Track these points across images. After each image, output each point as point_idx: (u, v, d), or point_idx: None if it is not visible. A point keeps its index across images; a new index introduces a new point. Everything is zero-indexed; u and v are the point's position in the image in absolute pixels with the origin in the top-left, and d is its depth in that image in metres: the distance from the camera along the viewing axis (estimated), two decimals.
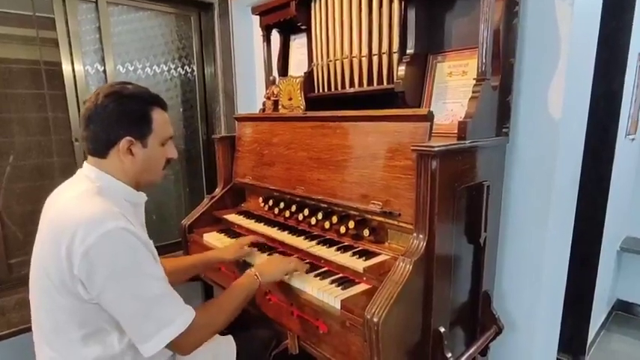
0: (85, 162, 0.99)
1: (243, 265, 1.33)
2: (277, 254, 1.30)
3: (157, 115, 0.99)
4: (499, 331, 1.26)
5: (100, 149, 0.96)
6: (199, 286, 1.77)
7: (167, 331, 0.87)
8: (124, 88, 0.96)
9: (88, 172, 0.97)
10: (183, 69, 2.20)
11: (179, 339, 0.89)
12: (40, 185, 1.77)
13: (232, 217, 1.64)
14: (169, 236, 2.11)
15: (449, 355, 1.02)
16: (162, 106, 1.02)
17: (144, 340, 0.87)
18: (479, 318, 1.24)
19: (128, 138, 0.94)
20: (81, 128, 0.97)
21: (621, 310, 2.63)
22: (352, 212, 1.26)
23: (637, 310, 2.58)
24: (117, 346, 0.92)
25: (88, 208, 0.86)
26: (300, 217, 1.42)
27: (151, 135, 0.98)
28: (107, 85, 0.98)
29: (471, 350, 1.18)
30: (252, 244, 1.39)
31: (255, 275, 1.10)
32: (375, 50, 1.34)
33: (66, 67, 1.76)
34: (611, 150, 1.82)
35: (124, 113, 0.94)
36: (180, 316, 0.90)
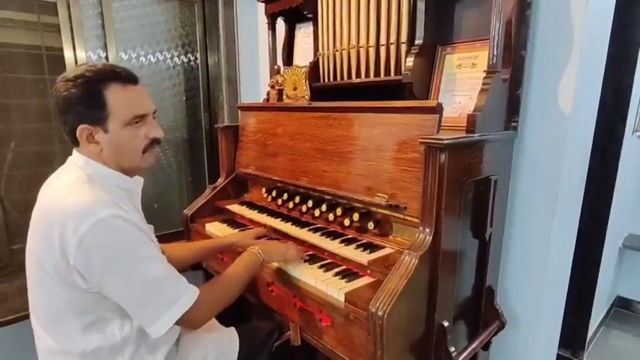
0: (74, 149, 0.95)
1: None
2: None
3: (114, 93, 0.88)
4: (502, 326, 1.26)
5: (70, 139, 0.92)
6: (201, 276, 1.77)
7: (172, 310, 0.88)
8: (73, 71, 0.88)
9: (76, 159, 0.93)
10: (186, 57, 2.17)
11: (187, 316, 0.89)
12: (41, 172, 1.76)
13: (235, 208, 1.63)
14: (171, 225, 2.10)
15: (452, 349, 1.01)
16: (123, 79, 0.90)
17: (150, 322, 0.87)
18: (482, 313, 1.24)
19: (83, 126, 0.87)
20: None
21: (621, 306, 2.63)
22: (357, 205, 1.25)
23: (637, 307, 2.59)
24: (118, 335, 0.91)
25: (77, 197, 0.83)
26: (304, 208, 1.40)
27: (109, 118, 0.88)
28: None
29: (474, 345, 1.18)
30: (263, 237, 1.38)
31: (259, 253, 1.11)
32: (382, 40, 1.31)
33: (67, 54, 1.74)
34: (619, 147, 1.80)
35: (71, 99, 0.86)
36: (184, 295, 0.90)
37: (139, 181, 1.03)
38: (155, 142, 0.97)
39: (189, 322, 0.92)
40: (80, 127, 0.88)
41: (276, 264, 1.20)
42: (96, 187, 0.87)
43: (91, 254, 0.81)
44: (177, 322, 0.89)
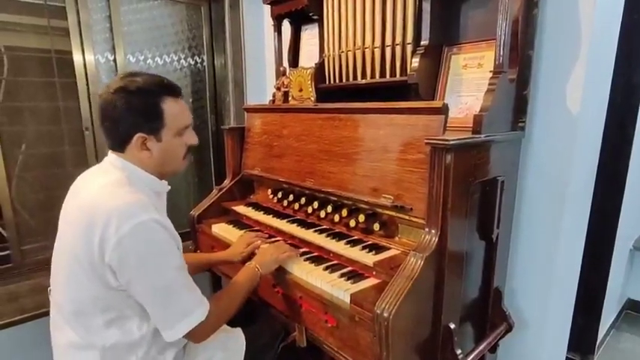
0: (109, 151, 1.00)
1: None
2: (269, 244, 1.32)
3: (169, 106, 0.97)
4: (509, 329, 1.25)
5: (116, 145, 0.97)
6: (207, 277, 1.78)
7: (188, 319, 0.92)
8: (132, 82, 0.94)
9: (113, 160, 0.98)
10: (193, 59, 2.19)
11: (196, 328, 0.93)
12: (51, 174, 1.79)
13: (241, 209, 1.64)
14: (178, 226, 2.10)
15: (458, 351, 1.01)
16: (174, 93, 0.99)
17: (168, 326, 0.91)
18: (489, 315, 1.23)
19: (140, 134, 0.94)
20: (99, 122, 0.98)
21: (631, 309, 2.59)
22: (362, 206, 1.24)
23: None
24: (136, 333, 0.94)
25: (121, 198, 0.87)
26: (310, 209, 1.41)
27: (164, 129, 0.97)
28: (117, 79, 0.96)
29: (481, 347, 1.16)
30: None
31: (256, 267, 1.14)
32: (388, 41, 1.31)
33: (77, 57, 1.76)
34: (629, 146, 1.77)
35: (132, 110, 0.93)
36: (200, 307, 0.94)
37: (166, 186, 1.08)
38: (190, 149, 1.06)
39: (195, 334, 0.95)
40: (137, 135, 0.94)
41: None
42: (136, 190, 0.92)
43: (127, 255, 0.85)
44: (186, 334, 0.93)
